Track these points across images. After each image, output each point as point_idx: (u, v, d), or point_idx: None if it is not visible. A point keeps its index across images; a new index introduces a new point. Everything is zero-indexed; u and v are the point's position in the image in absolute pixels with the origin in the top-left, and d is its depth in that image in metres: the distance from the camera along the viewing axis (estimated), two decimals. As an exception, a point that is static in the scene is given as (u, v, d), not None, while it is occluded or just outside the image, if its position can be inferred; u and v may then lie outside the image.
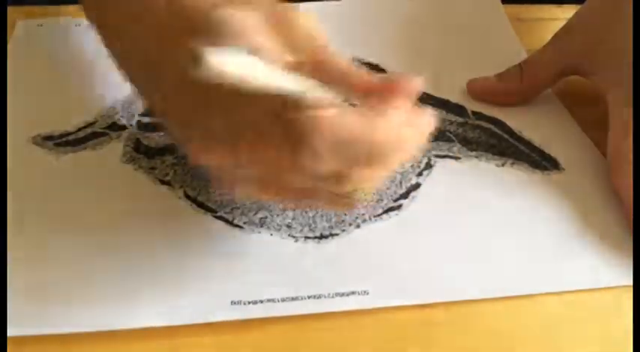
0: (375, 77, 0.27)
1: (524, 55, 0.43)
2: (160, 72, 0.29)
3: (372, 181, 0.28)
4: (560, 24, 0.41)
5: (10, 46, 0.46)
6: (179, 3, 0.31)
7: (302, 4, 0.49)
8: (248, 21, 0.27)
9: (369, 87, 0.26)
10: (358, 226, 0.34)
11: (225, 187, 0.30)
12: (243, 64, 0.21)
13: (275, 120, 0.25)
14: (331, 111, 0.25)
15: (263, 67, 0.22)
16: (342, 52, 0.29)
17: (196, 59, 0.19)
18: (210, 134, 0.27)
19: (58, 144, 0.38)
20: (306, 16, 0.29)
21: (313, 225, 0.34)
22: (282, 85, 0.23)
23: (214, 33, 0.27)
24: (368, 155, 0.25)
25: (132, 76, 0.35)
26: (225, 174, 0.29)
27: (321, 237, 0.33)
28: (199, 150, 0.28)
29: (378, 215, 0.34)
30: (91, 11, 0.40)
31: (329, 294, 0.31)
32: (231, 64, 0.20)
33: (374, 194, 0.35)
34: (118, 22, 0.34)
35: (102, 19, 0.37)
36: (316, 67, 0.27)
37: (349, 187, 0.27)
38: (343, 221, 0.34)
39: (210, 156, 0.27)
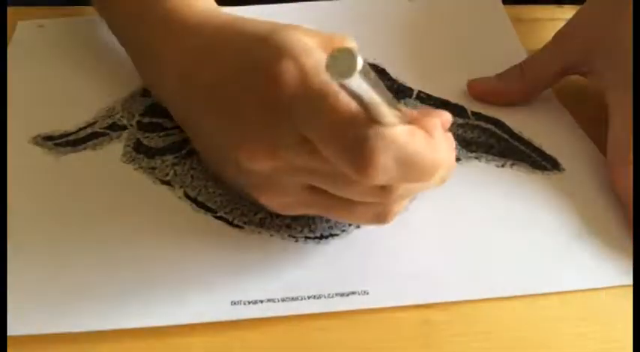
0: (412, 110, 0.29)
1: (524, 55, 0.43)
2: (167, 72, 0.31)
3: (413, 195, 0.29)
4: (560, 24, 0.41)
5: (10, 47, 0.46)
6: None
7: (302, 4, 0.49)
8: (311, 45, 0.28)
9: (411, 116, 0.27)
10: (358, 226, 0.34)
11: (266, 197, 0.30)
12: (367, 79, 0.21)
13: (344, 133, 0.25)
14: (400, 128, 0.25)
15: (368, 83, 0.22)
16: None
17: (351, 65, 0.19)
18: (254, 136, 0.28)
19: (58, 144, 0.38)
20: (352, 42, 0.29)
21: (313, 226, 0.34)
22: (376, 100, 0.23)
23: (279, 45, 0.28)
24: (426, 173, 0.26)
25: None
26: (268, 181, 0.29)
27: (321, 237, 0.33)
28: (243, 150, 0.28)
29: (378, 215, 0.34)
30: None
31: (329, 294, 0.31)
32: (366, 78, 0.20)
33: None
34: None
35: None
36: None
37: (389, 198, 0.28)
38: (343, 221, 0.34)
39: (255, 158, 0.28)
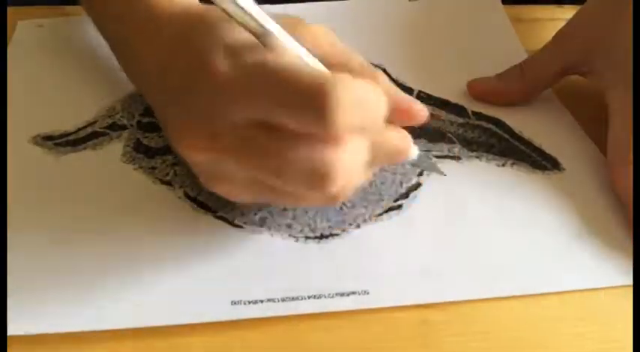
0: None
1: (524, 55, 0.43)
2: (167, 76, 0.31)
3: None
4: (560, 24, 0.41)
5: (10, 47, 0.46)
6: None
7: (301, 5, 0.49)
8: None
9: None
10: (358, 226, 0.34)
11: (212, 185, 0.31)
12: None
13: (296, 89, 0.25)
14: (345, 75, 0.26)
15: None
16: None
17: None
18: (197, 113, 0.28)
19: (58, 144, 0.38)
20: (315, 27, 0.30)
21: (313, 225, 0.34)
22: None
23: (209, 28, 0.29)
24: (375, 119, 0.26)
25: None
26: (211, 170, 0.29)
27: (322, 237, 0.33)
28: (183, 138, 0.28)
29: (379, 215, 0.34)
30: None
31: (329, 294, 0.31)
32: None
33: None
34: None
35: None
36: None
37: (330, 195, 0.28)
38: (343, 221, 0.34)
39: (195, 151, 0.28)
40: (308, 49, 0.29)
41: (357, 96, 0.25)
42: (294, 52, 0.27)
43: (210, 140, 0.27)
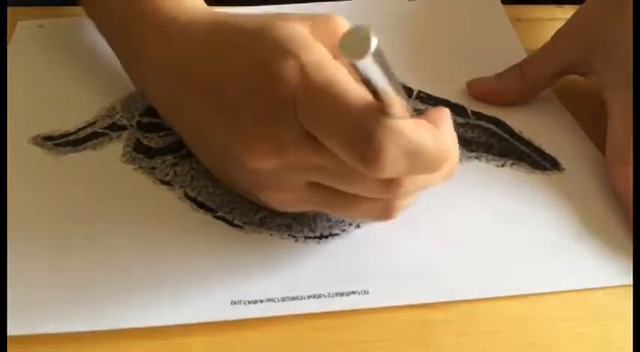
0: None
1: (524, 55, 0.43)
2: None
3: (419, 190, 0.29)
4: (560, 24, 0.41)
5: (10, 47, 0.46)
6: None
7: (301, 5, 0.49)
8: (304, 32, 0.28)
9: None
10: (358, 226, 0.34)
11: (267, 194, 0.31)
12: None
13: (351, 126, 0.25)
14: (407, 120, 0.25)
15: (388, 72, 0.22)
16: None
17: (365, 45, 0.18)
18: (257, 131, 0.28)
19: (58, 144, 0.38)
20: (343, 21, 0.30)
21: (313, 225, 0.34)
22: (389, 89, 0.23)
23: (277, 42, 0.28)
24: (433, 164, 0.26)
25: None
26: (271, 179, 0.29)
27: (321, 236, 0.33)
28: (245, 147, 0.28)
29: (378, 215, 0.34)
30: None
31: (329, 294, 0.31)
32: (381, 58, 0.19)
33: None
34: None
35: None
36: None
37: (395, 193, 0.28)
38: (343, 221, 0.34)
39: (260, 158, 0.28)
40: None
41: (409, 147, 0.25)
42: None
43: (277, 148, 0.27)
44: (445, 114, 0.28)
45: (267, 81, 0.27)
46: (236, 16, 0.32)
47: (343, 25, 0.30)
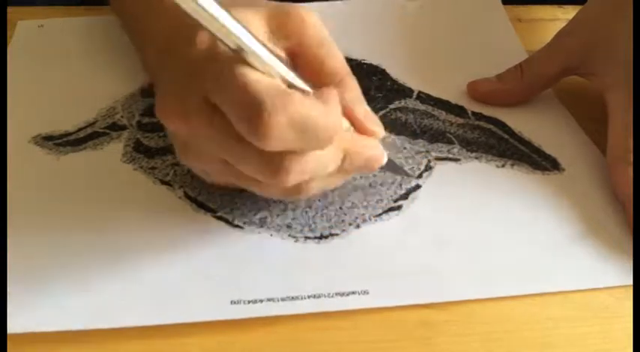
0: (365, 112, 0.31)
1: (524, 56, 0.43)
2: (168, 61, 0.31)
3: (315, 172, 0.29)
4: (561, 24, 0.41)
5: (10, 47, 0.46)
6: None
7: (301, 4, 0.49)
8: (251, 23, 0.28)
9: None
10: (358, 226, 0.34)
11: (187, 160, 0.31)
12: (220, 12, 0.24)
13: (243, 96, 0.26)
14: (295, 91, 0.26)
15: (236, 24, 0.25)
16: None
17: None
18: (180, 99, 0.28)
19: (58, 144, 0.38)
20: (310, 16, 0.30)
21: (313, 225, 0.34)
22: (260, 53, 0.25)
23: None
24: (319, 138, 0.27)
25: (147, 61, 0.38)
26: (188, 145, 0.30)
27: (321, 237, 0.33)
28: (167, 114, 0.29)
29: (378, 215, 0.34)
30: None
31: (329, 294, 0.31)
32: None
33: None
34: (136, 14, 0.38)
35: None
36: (311, 76, 0.29)
37: (284, 183, 0.28)
38: (343, 221, 0.34)
39: (169, 118, 0.29)
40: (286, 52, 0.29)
41: (296, 118, 0.25)
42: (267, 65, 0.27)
43: (183, 114, 0.28)
44: (333, 94, 0.28)
45: (183, 44, 0.28)
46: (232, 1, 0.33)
47: (309, 17, 0.30)
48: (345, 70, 0.30)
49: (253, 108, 0.25)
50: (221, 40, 0.25)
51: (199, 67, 0.28)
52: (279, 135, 0.25)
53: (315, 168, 0.28)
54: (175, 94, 0.28)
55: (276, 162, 0.27)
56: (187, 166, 0.32)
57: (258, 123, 0.25)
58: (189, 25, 0.31)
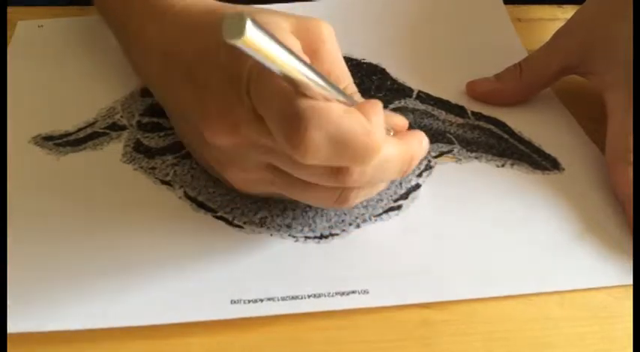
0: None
1: (524, 55, 0.43)
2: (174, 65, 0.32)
3: (371, 181, 0.29)
4: (560, 24, 0.41)
5: (10, 47, 0.46)
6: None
7: (300, 4, 0.49)
8: (281, 25, 0.29)
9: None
10: (358, 226, 0.34)
11: (229, 172, 0.31)
12: (273, 46, 0.21)
13: (283, 108, 0.25)
14: (336, 105, 0.26)
15: (288, 54, 0.22)
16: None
17: (239, 22, 0.19)
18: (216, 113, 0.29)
19: (58, 144, 0.38)
20: (328, 30, 0.30)
21: (313, 225, 0.34)
22: (300, 72, 0.23)
23: None
24: (358, 154, 0.26)
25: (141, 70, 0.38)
26: (231, 157, 0.30)
27: (321, 236, 0.33)
28: (210, 128, 0.29)
29: (378, 215, 0.34)
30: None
31: (329, 293, 0.31)
32: (264, 41, 0.21)
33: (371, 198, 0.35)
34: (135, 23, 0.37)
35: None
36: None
37: (344, 184, 0.28)
38: (343, 221, 0.34)
39: (218, 134, 0.29)
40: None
41: (334, 133, 0.25)
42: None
43: (233, 126, 0.28)
44: (377, 108, 0.27)
45: (228, 58, 0.28)
46: (232, 5, 0.33)
47: (327, 32, 0.30)
48: (352, 89, 0.30)
49: (292, 123, 0.25)
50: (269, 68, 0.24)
51: (237, 76, 0.27)
52: (315, 151, 0.25)
53: (377, 180, 0.29)
54: (220, 109, 0.28)
55: (342, 174, 0.27)
56: (230, 180, 0.32)
57: (295, 138, 0.25)
58: (202, 29, 0.31)
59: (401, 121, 0.32)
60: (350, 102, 0.27)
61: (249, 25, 0.19)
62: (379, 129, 0.26)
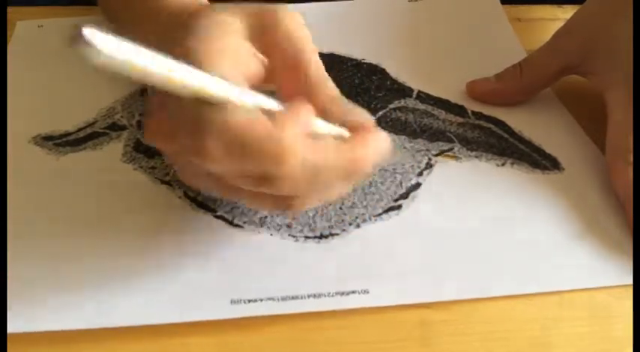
0: (346, 109, 0.29)
1: (523, 55, 0.43)
2: None
3: (305, 190, 0.28)
4: (560, 24, 0.41)
5: (10, 47, 0.46)
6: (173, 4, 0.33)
7: (301, 5, 0.49)
8: (232, 27, 0.29)
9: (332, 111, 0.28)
10: (358, 226, 0.34)
11: (182, 177, 0.32)
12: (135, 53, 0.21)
13: (187, 116, 0.26)
14: (239, 111, 0.25)
15: (158, 60, 0.22)
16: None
17: (76, 36, 0.18)
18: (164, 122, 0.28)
19: (58, 144, 0.38)
20: (292, 17, 0.30)
21: (313, 225, 0.34)
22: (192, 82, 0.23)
23: (195, 33, 0.28)
24: (269, 163, 0.25)
25: None
26: (179, 163, 0.30)
27: (321, 236, 0.33)
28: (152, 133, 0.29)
29: (378, 215, 0.34)
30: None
31: (329, 293, 0.31)
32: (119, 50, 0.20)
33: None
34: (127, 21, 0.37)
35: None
36: (287, 76, 0.29)
37: (279, 191, 0.27)
38: (343, 221, 0.34)
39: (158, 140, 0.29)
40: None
41: (233, 141, 0.25)
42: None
43: (170, 137, 0.28)
44: (298, 112, 0.26)
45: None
46: (220, 5, 0.32)
47: (281, 16, 0.29)
48: (316, 69, 0.29)
49: (192, 133, 0.25)
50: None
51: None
52: (216, 158, 0.25)
53: (317, 181, 0.27)
54: (164, 115, 0.28)
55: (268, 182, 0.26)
56: (185, 183, 0.32)
57: (195, 146, 0.25)
58: (175, 29, 0.31)
59: (362, 119, 0.30)
60: (270, 104, 0.26)
61: (87, 32, 0.18)
62: (290, 135, 0.25)
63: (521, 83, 0.41)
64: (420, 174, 0.37)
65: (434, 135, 0.39)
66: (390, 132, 0.39)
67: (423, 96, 0.42)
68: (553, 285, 0.31)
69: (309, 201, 0.29)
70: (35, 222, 0.34)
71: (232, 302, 0.30)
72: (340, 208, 0.35)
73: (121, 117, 0.40)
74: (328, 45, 0.45)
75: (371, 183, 0.36)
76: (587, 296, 0.31)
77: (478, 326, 0.30)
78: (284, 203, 0.29)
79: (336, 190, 0.30)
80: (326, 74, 0.30)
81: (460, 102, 0.42)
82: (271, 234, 0.33)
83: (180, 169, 0.31)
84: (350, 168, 0.28)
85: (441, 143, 0.39)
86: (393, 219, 0.34)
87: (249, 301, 0.30)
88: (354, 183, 0.30)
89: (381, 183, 0.36)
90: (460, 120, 0.40)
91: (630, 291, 0.31)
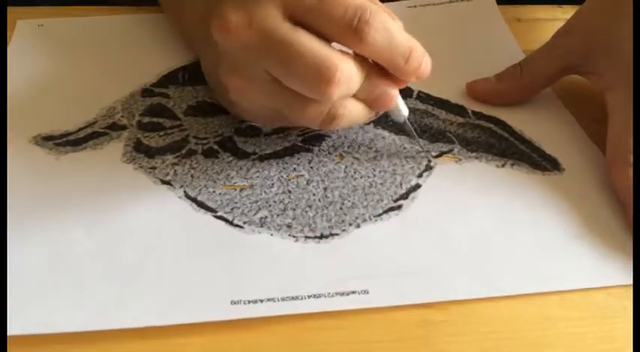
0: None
1: (521, 56, 0.43)
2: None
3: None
4: (560, 24, 0.41)
5: (10, 46, 0.46)
6: None
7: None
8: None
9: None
10: (358, 226, 0.34)
11: (231, 78, 0.33)
12: None
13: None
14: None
15: None
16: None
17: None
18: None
19: (58, 144, 0.38)
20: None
21: (313, 225, 0.34)
22: None
23: None
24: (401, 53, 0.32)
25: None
26: (236, 61, 0.32)
27: (321, 236, 0.33)
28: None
29: (378, 215, 0.34)
30: None
31: (329, 294, 0.31)
32: None
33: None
34: None
35: None
36: None
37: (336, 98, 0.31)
38: (343, 221, 0.34)
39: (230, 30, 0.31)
40: None
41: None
42: None
43: (244, 27, 0.30)
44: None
45: None
46: None
47: None
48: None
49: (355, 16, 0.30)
50: None
51: None
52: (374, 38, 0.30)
53: (354, 75, 0.31)
54: (236, 7, 0.30)
55: (329, 59, 0.30)
56: (228, 87, 0.34)
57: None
58: None
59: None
60: None
61: None
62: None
63: (522, 83, 0.41)
64: (420, 175, 0.37)
65: (434, 135, 0.39)
66: (390, 132, 0.39)
67: (423, 97, 0.42)
68: (553, 285, 0.31)
69: (348, 116, 0.32)
70: (35, 222, 0.34)
71: (232, 302, 0.30)
72: (340, 208, 0.35)
73: (122, 117, 0.40)
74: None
75: (371, 183, 0.36)
76: (587, 296, 0.31)
77: (478, 326, 0.30)
78: (331, 114, 0.32)
79: (368, 113, 0.34)
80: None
81: (460, 102, 0.42)
82: (271, 234, 0.33)
83: (231, 75, 0.33)
84: (406, 54, 0.33)
85: (441, 144, 0.39)
86: (393, 219, 0.34)
87: (249, 302, 0.30)
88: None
89: (381, 183, 0.36)
90: (460, 120, 0.40)
91: (630, 291, 0.31)
